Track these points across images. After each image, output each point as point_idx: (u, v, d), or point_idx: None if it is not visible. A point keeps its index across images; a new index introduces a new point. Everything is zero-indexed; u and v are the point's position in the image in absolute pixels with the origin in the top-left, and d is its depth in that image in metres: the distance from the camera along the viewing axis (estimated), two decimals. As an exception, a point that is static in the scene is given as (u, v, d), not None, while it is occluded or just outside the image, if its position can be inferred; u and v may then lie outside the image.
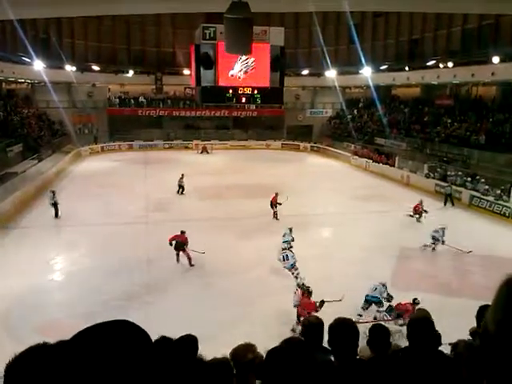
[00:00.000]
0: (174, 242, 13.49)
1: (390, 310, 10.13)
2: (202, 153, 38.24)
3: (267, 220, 18.13)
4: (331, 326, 2.53)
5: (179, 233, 13.64)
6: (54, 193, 19.19)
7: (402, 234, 16.53)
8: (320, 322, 3.25)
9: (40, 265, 13.68)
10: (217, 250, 14.56)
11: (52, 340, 1.18)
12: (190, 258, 13.48)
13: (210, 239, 15.67)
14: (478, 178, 21.57)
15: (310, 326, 3.23)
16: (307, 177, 27.67)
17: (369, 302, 10.37)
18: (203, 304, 11.00)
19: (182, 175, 22.97)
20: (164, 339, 2.39)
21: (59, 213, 18.63)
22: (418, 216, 18.07)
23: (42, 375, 1.17)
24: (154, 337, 2.44)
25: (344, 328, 2.48)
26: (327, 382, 2.18)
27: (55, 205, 18.65)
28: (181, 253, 13.57)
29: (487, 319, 0.90)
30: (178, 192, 22.75)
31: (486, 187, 20.51)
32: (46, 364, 1.20)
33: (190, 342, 2.53)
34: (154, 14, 33.12)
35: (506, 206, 19.11)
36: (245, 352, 2.76)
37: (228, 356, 2.63)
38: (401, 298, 10.37)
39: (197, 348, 2.49)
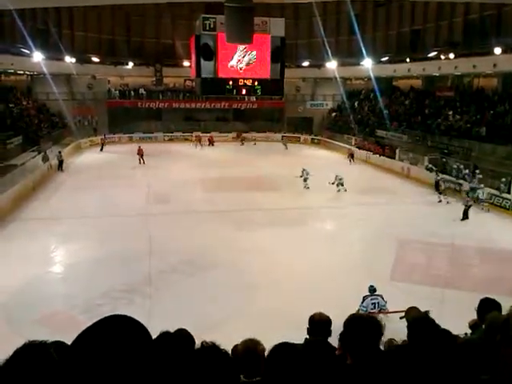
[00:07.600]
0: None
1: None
2: (209, 145, 37.09)
3: (269, 212, 18.12)
4: (348, 321, 2.36)
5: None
6: (60, 152, 26.54)
7: (400, 226, 16.32)
8: (328, 320, 3.25)
9: (39, 257, 13.67)
10: (218, 242, 14.61)
11: (52, 331, 1.17)
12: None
13: (211, 230, 15.71)
14: (477, 171, 21.44)
15: (317, 323, 3.22)
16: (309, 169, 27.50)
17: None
18: (204, 296, 10.96)
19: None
20: (165, 334, 2.35)
21: (63, 168, 26.18)
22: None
23: (42, 373, 1.16)
24: (155, 328, 2.43)
25: (363, 323, 2.29)
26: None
27: (61, 162, 26.18)
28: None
29: None
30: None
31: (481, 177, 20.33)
32: (46, 362, 1.20)
33: (184, 336, 2.49)
34: (153, 4, 32.94)
35: (506, 199, 19.06)
36: (255, 345, 2.73)
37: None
38: (399, 291, 10.36)
39: (193, 341, 2.45)
